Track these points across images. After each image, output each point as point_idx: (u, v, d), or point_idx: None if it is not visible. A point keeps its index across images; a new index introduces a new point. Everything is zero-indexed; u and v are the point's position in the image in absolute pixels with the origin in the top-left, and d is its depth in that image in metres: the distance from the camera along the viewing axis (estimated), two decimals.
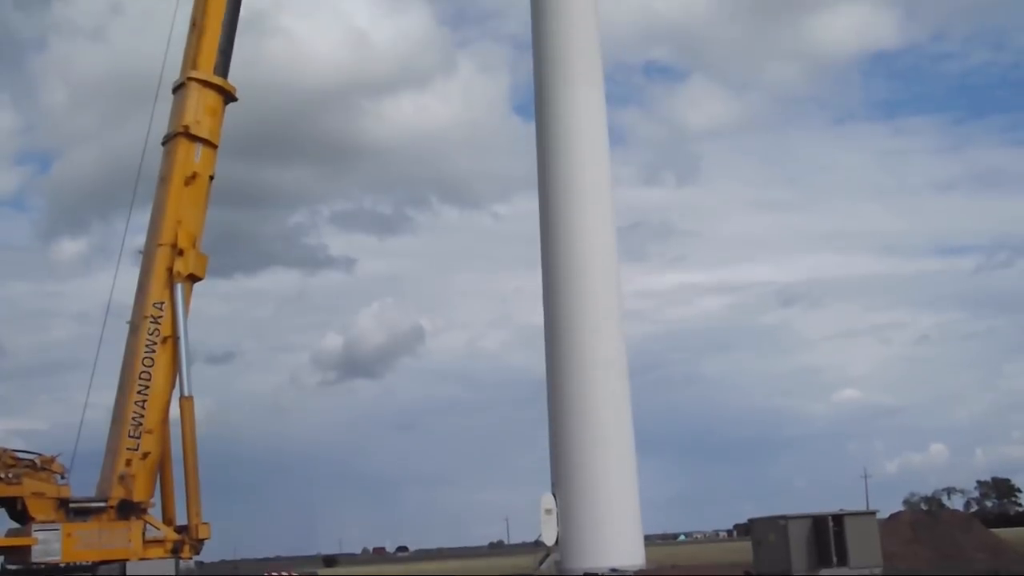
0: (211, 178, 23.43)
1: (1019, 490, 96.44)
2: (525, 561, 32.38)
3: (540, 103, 26.91)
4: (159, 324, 22.29)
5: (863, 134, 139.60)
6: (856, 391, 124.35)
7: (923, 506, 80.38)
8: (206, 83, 23.41)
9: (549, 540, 24.94)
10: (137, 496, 21.42)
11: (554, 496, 25.09)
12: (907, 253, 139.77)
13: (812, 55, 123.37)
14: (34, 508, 20.63)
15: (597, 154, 26.65)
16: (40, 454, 21.53)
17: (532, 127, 27.23)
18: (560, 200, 26.22)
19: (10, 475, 20.74)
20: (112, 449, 21.89)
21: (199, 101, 23.30)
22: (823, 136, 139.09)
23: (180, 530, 21.86)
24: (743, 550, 31.79)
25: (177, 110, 23.42)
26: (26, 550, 20.39)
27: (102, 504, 21.28)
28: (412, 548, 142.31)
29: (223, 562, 67.46)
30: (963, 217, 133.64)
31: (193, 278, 22.94)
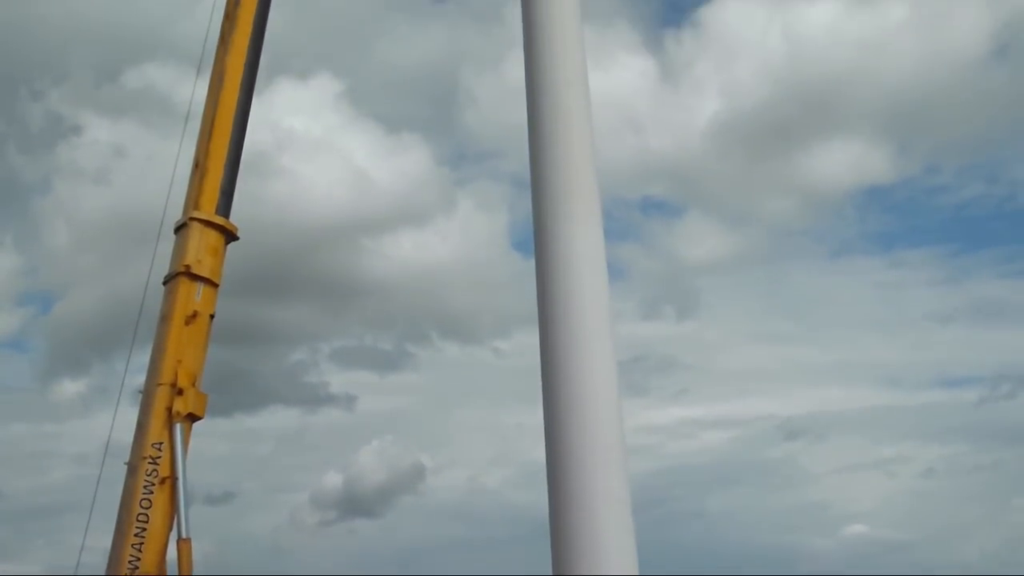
0: (212, 317, 23.40)
1: None
2: None
3: (539, 240, 26.75)
4: (157, 464, 21.96)
5: (860, 267, 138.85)
6: (863, 526, 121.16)
7: None
8: (208, 223, 23.51)
9: None
10: None
11: None
12: (909, 385, 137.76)
13: (806, 189, 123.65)
14: None
15: (597, 290, 26.35)
16: None
17: (531, 263, 27.30)
18: (560, 336, 25.98)
19: None
20: None
21: (201, 241, 23.40)
22: (821, 269, 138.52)
23: None
24: None
25: (179, 250, 23.50)
26: None
27: None
28: None
29: None
30: (964, 349, 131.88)
31: (193, 417, 22.68)
